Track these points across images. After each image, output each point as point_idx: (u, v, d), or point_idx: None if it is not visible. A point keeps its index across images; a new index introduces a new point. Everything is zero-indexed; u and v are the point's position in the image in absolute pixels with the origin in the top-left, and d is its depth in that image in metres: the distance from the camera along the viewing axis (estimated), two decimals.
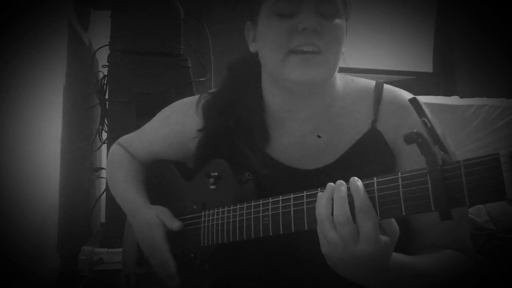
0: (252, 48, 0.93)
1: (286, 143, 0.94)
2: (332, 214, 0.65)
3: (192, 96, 1.07)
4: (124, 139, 1.17)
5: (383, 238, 0.63)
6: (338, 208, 0.64)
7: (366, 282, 0.69)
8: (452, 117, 2.14)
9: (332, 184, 0.67)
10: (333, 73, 0.87)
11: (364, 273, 0.66)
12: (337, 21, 0.84)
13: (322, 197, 0.66)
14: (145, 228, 1.00)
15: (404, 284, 0.72)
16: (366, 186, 0.64)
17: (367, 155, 0.87)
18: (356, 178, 0.65)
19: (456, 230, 0.84)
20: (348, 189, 0.65)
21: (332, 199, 0.65)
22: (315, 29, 0.81)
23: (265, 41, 0.87)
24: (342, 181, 0.66)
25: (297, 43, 0.82)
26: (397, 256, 0.69)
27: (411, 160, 0.83)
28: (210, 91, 1.04)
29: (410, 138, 0.59)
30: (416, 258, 0.78)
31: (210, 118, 0.98)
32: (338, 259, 0.65)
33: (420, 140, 0.58)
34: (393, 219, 0.65)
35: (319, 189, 0.70)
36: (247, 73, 0.97)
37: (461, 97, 2.34)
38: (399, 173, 0.61)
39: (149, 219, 0.99)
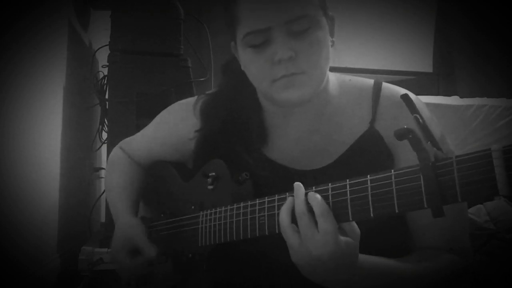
0: (242, 67, 0.92)
1: (283, 144, 0.94)
2: (294, 222, 0.68)
3: (191, 97, 1.07)
4: (125, 142, 1.19)
5: (343, 238, 0.65)
6: (298, 216, 0.67)
7: (337, 285, 0.70)
8: (452, 117, 2.14)
9: (292, 197, 0.70)
10: (320, 85, 0.87)
11: (330, 275, 0.67)
12: (314, 34, 0.82)
13: (283, 207, 0.70)
14: (123, 231, 1.03)
15: (370, 284, 0.74)
16: (359, 183, 0.64)
17: (366, 155, 0.87)
18: (306, 189, 0.69)
19: (453, 230, 0.83)
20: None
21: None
22: (291, 57, 0.80)
23: (248, 72, 0.88)
24: (300, 185, 0.70)
25: (278, 74, 0.81)
26: (362, 257, 0.71)
27: (409, 160, 0.82)
28: (207, 92, 1.04)
29: (401, 134, 0.59)
30: (391, 260, 0.78)
31: (207, 119, 0.99)
32: (305, 265, 0.67)
33: (411, 136, 0.58)
34: (353, 222, 0.67)
35: (313, 187, 0.70)
36: (244, 74, 0.97)
37: (461, 97, 2.33)
38: (392, 170, 0.61)
39: (128, 226, 1.03)
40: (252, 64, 0.85)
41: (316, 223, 0.66)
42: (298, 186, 0.70)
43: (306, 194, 0.68)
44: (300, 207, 0.67)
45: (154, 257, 0.97)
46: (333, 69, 0.94)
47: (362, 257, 0.70)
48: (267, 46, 0.82)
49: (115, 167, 1.15)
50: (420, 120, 0.60)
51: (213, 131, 0.97)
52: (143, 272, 1.02)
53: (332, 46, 0.87)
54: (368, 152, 0.87)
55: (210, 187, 0.92)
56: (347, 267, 0.67)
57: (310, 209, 0.67)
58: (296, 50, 0.80)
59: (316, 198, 0.67)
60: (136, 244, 0.99)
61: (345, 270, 0.67)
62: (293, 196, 0.70)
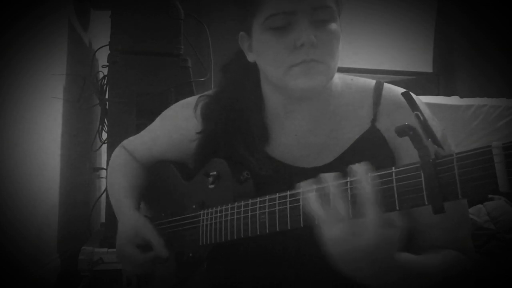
0: (250, 58, 0.92)
1: (285, 142, 0.94)
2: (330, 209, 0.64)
3: (191, 97, 1.07)
4: (127, 141, 1.19)
5: (387, 231, 0.62)
6: (337, 203, 0.63)
7: (370, 281, 0.67)
8: (452, 117, 2.14)
9: (329, 176, 0.66)
10: (332, 77, 0.88)
11: (368, 270, 0.64)
12: (333, 26, 0.83)
13: (312, 194, 0.66)
14: (129, 225, 1.02)
15: (407, 284, 0.71)
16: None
17: (367, 154, 0.87)
18: (358, 166, 0.64)
19: (456, 230, 0.84)
20: (347, 183, 0.65)
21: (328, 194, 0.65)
22: (313, 43, 0.80)
23: (264, 57, 0.87)
24: (339, 173, 0.65)
25: (297, 60, 0.82)
26: (400, 255, 0.68)
27: (411, 158, 0.82)
28: (207, 92, 1.04)
29: (402, 131, 0.59)
30: (420, 257, 0.77)
31: (208, 120, 0.99)
32: (340, 256, 0.64)
33: (412, 133, 0.58)
34: (397, 213, 0.63)
35: (314, 186, 0.69)
36: (245, 73, 0.97)
37: (461, 97, 2.33)
38: (393, 168, 0.61)
39: (134, 220, 1.02)
40: (271, 49, 0.84)
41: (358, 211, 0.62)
42: (356, 167, 0.64)
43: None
44: (369, 194, 0.61)
45: (165, 250, 0.95)
46: None
47: (403, 254, 0.68)
48: (290, 31, 0.82)
49: (117, 165, 1.15)
50: (421, 118, 0.60)
51: (215, 132, 0.97)
52: (152, 267, 1.00)
53: None
54: (369, 151, 0.87)
55: (211, 186, 0.92)
56: (389, 262, 0.64)
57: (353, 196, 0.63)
58: (317, 38, 0.81)
59: (363, 185, 0.62)
60: (144, 237, 0.98)
61: (387, 266, 0.65)
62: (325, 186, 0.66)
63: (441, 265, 0.78)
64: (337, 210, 0.63)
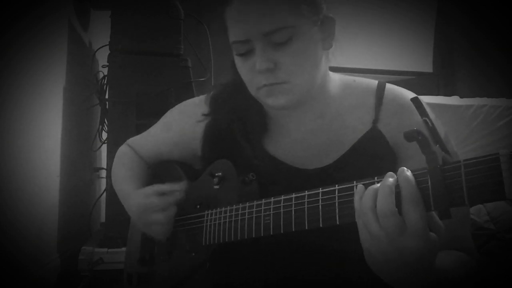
0: None
1: (287, 142, 0.95)
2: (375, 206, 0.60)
3: (198, 97, 1.08)
4: (132, 140, 1.19)
5: (432, 234, 0.59)
6: (383, 199, 0.59)
7: (405, 286, 0.63)
8: (452, 117, 2.14)
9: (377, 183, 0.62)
10: (309, 90, 0.87)
11: (406, 273, 0.61)
12: (294, 44, 0.82)
13: (369, 188, 0.62)
14: (136, 201, 0.98)
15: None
16: (367, 185, 0.62)
17: (368, 154, 0.87)
18: (406, 168, 0.60)
19: (458, 230, 0.83)
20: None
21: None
22: (269, 68, 0.82)
23: (240, 75, 0.90)
24: (391, 172, 0.62)
25: (260, 83, 0.84)
26: (438, 259, 0.63)
27: (412, 160, 0.82)
28: (222, 82, 1.05)
29: (410, 136, 0.59)
30: (448, 261, 0.73)
31: (215, 107, 1.00)
32: (380, 254, 0.60)
33: (420, 138, 0.58)
34: (435, 215, 0.60)
35: (320, 189, 0.70)
36: None
37: (461, 97, 2.33)
38: None
39: (142, 194, 0.98)
40: (240, 71, 0.88)
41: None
42: (403, 170, 0.60)
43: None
44: (415, 193, 0.58)
45: (179, 184, 0.95)
46: (333, 69, 0.95)
47: (438, 259, 0.63)
48: (251, 56, 0.84)
49: (122, 161, 1.15)
50: (430, 124, 0.60)
51: (220, 122, 0.98)
52: (174, 209, 0.95)
53: (329, 48, 0.88)
54: (371, 152, 0.87)
55: (216, 187, 0.92)
56: (426, 268, 0.61)
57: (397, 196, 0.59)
58: (276, 61, 0.82)
59: (408, 179, 0.58)
60: (159, 189, 0.96)
61: (425, 269, 0.61)
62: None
63: (457, 268, 0.77)
64: (382, 207, 0.59)
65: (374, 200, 0.60)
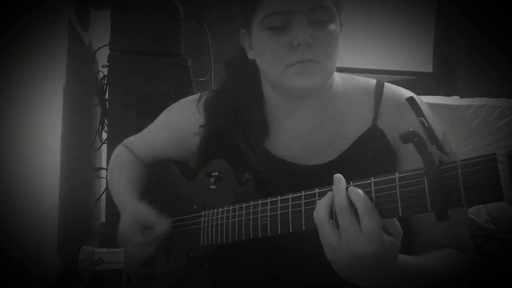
0: (250, 55, 0.94)
1: (286, 139, 0.95)
2: (332, 217, 0.63)
3: (193, 95, 1.08)
4: (128, 140, 1.19)
5: (387, 238, 0.62)
6: (339, 211, 0.62)
7: (372, 285, 0.67)
8: (452, 117, 2.13)
9: (331, 191, 0.65)
10: (330, 77, 0.89)
11: (370, 275, 0.64)
12: (331, 26, 0.84)
13: (321, 201, 0.65)
14: (132, 211, 0.99)
15: (407, 285, 0.71)
16: (363, 186, 0.63)
17: (368, 152, 0.87)
18: (352, 186, 0.63)
19: (456, 229, 0.84)
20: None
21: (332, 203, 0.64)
22: (309, 43, 0.81)
23: (263, 56, 0.88)
24: (340, 177, 0.64)
25: (294, 59, 0.83)
26: (400, 257, 0.68)
27: (412, 158, 0.82)
28: (211, 88, 1.05)
29: (406, 137, 0.59)
30: (419, 258, 0.77)
31: (211, 115, 0.99)
32: (343, 262, 0.63)
33: (416, 139, 0.58)
34: (395, 220, 0.64)
35: (316, 189, 0.69)
36: (247, 69, 0.98)
37: (461, 97, 2.33)
38: (396, 173, 0.61)
39: (135, 207, 0.99)
40: (269, 48, 0.85)
41: (358, 219, 0.61)
42: (339, 178, 0.64)
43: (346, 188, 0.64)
44: (342, 201, 0.62)
45: (167, 231, 0.94)
46: None
47: (401, 257, 0.68)
48: (287, 30, 0.83)
49: (118, 161, 1.15)
50: (426, 124, 0.60)
51: (217, 128, 0.97)
52: (157, 244, 0.97)
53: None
54: (371, 149, 0.88)
55: (212, 187, 0.92)
56: (388, 268, 0.64)
57: (351, 204, 0.62)
58: (314, 38, 0.82)
59: (358, 193, 0.62)
60: (146, 219, 0.96)
61: (386, 271, 0.64)
62: (328, 190, 0.66)
63: (442, 264, 0.78)
64: (340, 219, 0.62)
65: (329, 213, 0.63)
